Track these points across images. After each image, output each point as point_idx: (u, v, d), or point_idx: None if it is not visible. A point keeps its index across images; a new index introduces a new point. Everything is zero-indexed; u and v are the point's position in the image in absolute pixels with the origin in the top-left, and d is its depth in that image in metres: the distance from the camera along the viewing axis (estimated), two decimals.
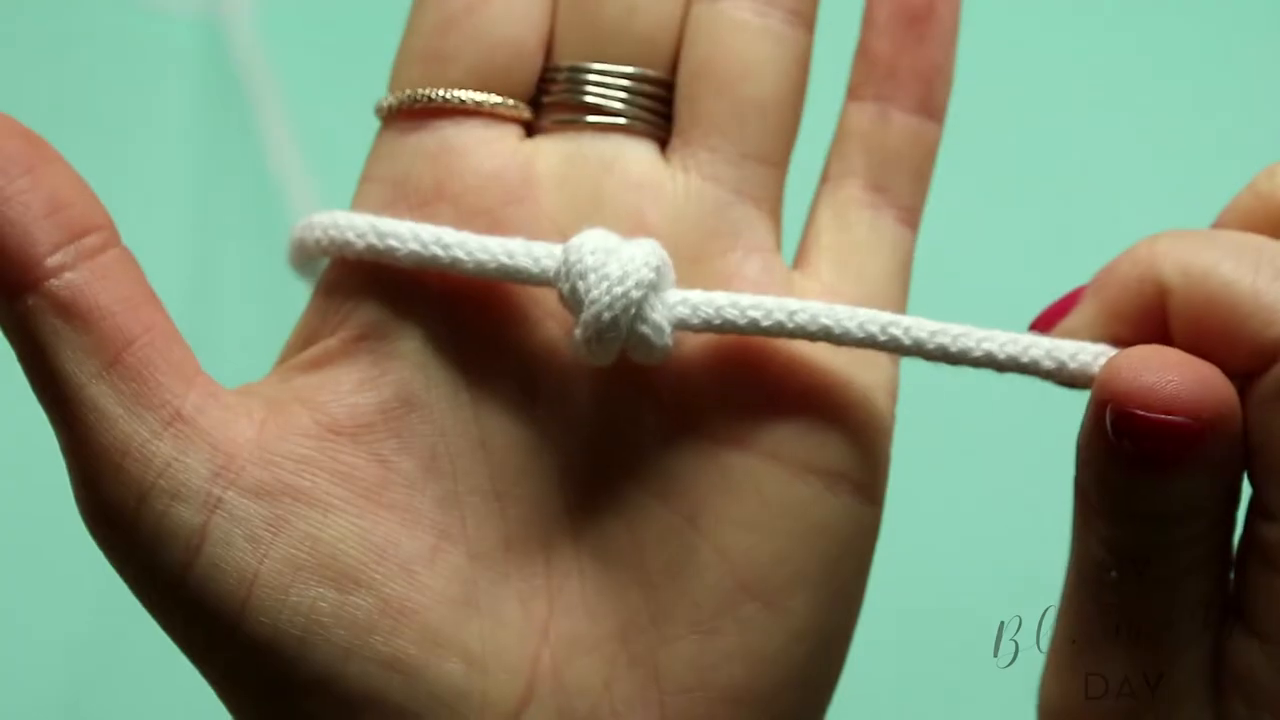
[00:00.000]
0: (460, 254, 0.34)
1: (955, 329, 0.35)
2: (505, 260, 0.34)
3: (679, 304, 0.34)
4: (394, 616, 0.33)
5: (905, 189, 0.37)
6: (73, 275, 0.32)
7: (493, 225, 0.35)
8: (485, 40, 0.35)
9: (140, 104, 0.86)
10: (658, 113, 0.36)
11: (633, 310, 0.34)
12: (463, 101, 0.35)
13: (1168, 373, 0.31)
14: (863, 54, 0.37)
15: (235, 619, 0.33)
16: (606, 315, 0.34)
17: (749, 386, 0.35)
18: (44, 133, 0.33)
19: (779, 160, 0.36)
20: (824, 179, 0.37)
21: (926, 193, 0.38)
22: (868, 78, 0.37)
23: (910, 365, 0.37)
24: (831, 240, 0.37)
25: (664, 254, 0.34)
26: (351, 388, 0.35)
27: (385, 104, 0.36)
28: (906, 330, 0.35)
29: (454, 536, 0.34)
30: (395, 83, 0.36)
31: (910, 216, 0.37)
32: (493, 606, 0.34)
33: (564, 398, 0.35)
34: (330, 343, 0.35)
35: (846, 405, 0.36)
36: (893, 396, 0.36)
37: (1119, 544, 0.33)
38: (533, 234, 0.35)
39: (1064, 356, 0.34)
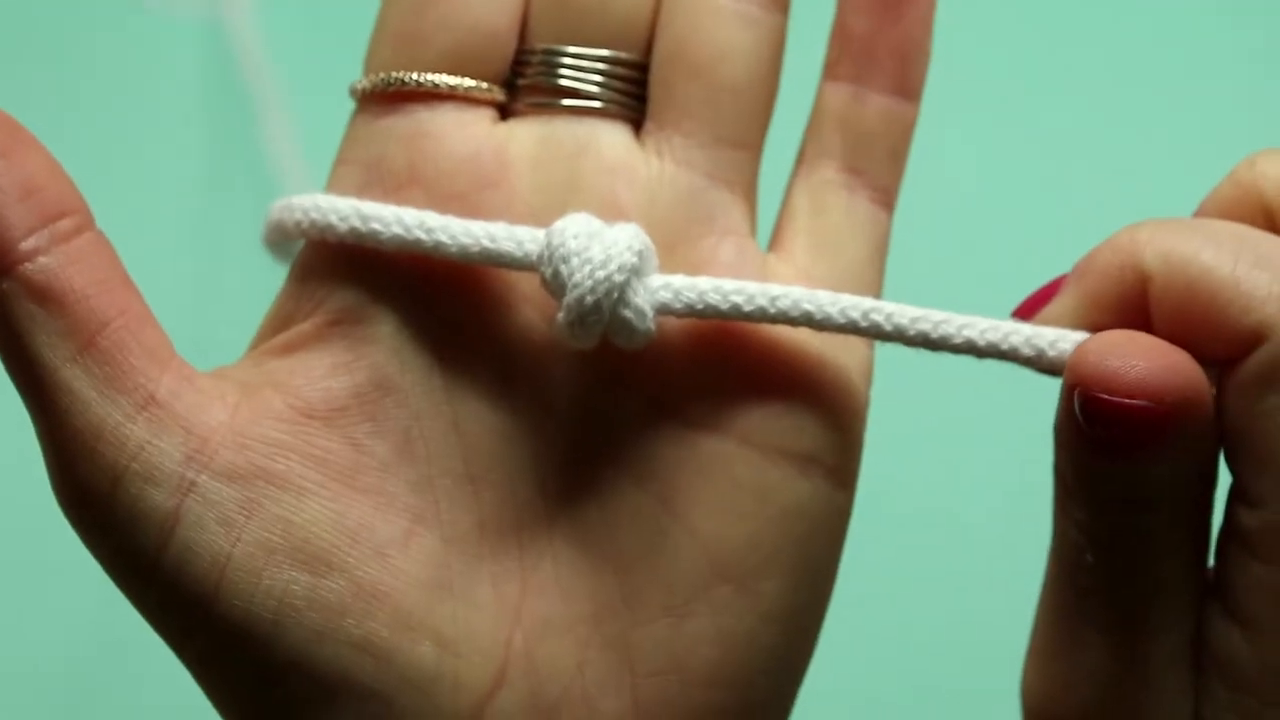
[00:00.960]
0: (443, 238, 0.34)
1: (936, 315, 0.35)
2: (488, 244, 0.34)
3: (661, 288, 0.34)
4: (366, 600, 0.33)
5: (881, 170, 0.37)
6: (47, 259, 0.32)
7: (466, 209, 0.35)
8: (459, 23, 0.35)
9: (143, 104, 0.86)
10: (632, 95, 0.36)
11: (615, 294, 0.34)
12: (436, 86, 0.35)
13: (1133, 358, 0.32)
14: (839, 33, 0.37)
15: (209, 602, 0.33)
16: (589, 299, 0.34)
17: (723, 370, 0.35)
18: (45, 133, 0.34)
19: (753, 143, 0.36)
20: (799, 160, 0.37)
21: (902, 174, 0.38)
22: (844, 57, 0.37)
23: (884, 349, 0.37)
24: (807, 223, 0.37)
25: (646, 239, 0.34)
26: (325, 372, 0.35)
27: (359, 86, 0.36)
28: (888, 316, 0.35)
29: (428, 520, 0.34)
30: (369, 65, 0.36)
31: (886, 198, 0.37)
32: (466, 590, 0.34)
33: (539, 382, 0.35)
34: (304, 327, 0.35)
35: (821, 388, 0.36)
36: (867, 379, 0.36)
37: (1094, 528, 0.33)
38: (507, 218, 0.35)
39: (1043, 344, 0.34)
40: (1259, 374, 0.32)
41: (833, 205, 0.37)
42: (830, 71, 0.37)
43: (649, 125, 0.36)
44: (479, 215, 0.35)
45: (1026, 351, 0.34)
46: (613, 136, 0.36)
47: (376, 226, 0.34)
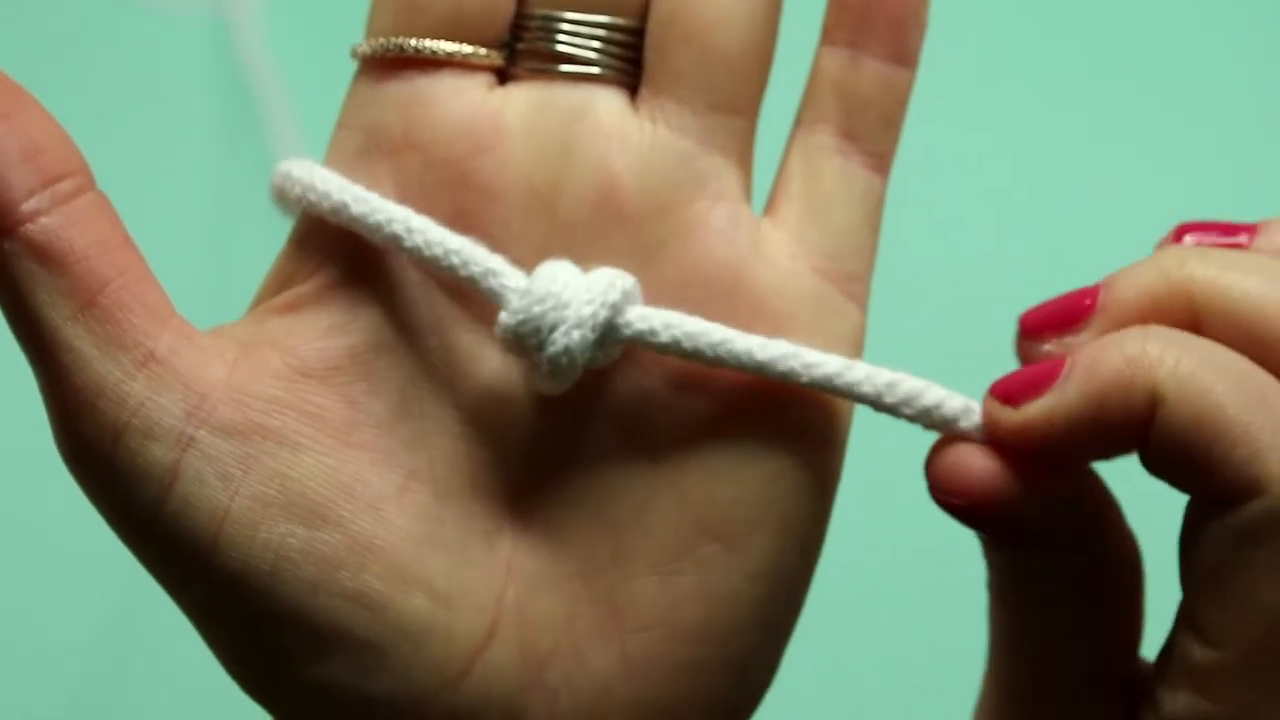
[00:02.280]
0: (420, 241, 0.35)
1: (835, 366, 0.35)
2: (469, 268, 0.35)
3: (638, 322, 0.35)
4: (361, 553, 0.34)
5: (876, 136, 0.37)
6: (48, 220, 0.33)
7: (461, 175, 0.35)
8: None
9: (148, 102, 0.86)
10: (629, 60, 0.36)
11: (590, 349, 0.35)
12: (434, 52, 0.36)
13: (959, 462, 0.34)
14: None
15: (207, 554, 0.34)
16: (564, 360, 0.35)
17: None
18: None
19: (748, 110, 0.37)
20: (795, 125, 0.38)
21: (898, 140, 0.38)
22: (841, 22, 0.37)
23: (877, 318, 0.37)
24: (801, 187, 0.37)
25: (628, 282, 0.35)
26: (322, 332, 0.35)
27: (360, 50, 0.36)
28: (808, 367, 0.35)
29: (421, 476, 0.35)
30: (370, 28, 0.36)
31: (881, 163, 0.37)
32: (458, 544, 0.35)
33: None
34: (304, 288, 0.36)
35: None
36: (859, 346, 0.37)
37: (991, 587, 0.36)
38: (500, 183, 0.35)
39: (937, 415, 0.35)
40: (1251, 527, 0.32)
41: (827, 170, 0.37)
42: (827, 37, 0.37)
43: (644, 91, 0.36)
44: (472, 180, 0.35)
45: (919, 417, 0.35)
46: (608, 102, 0.36)
47: (365, 215, 0.35)
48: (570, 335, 0.34)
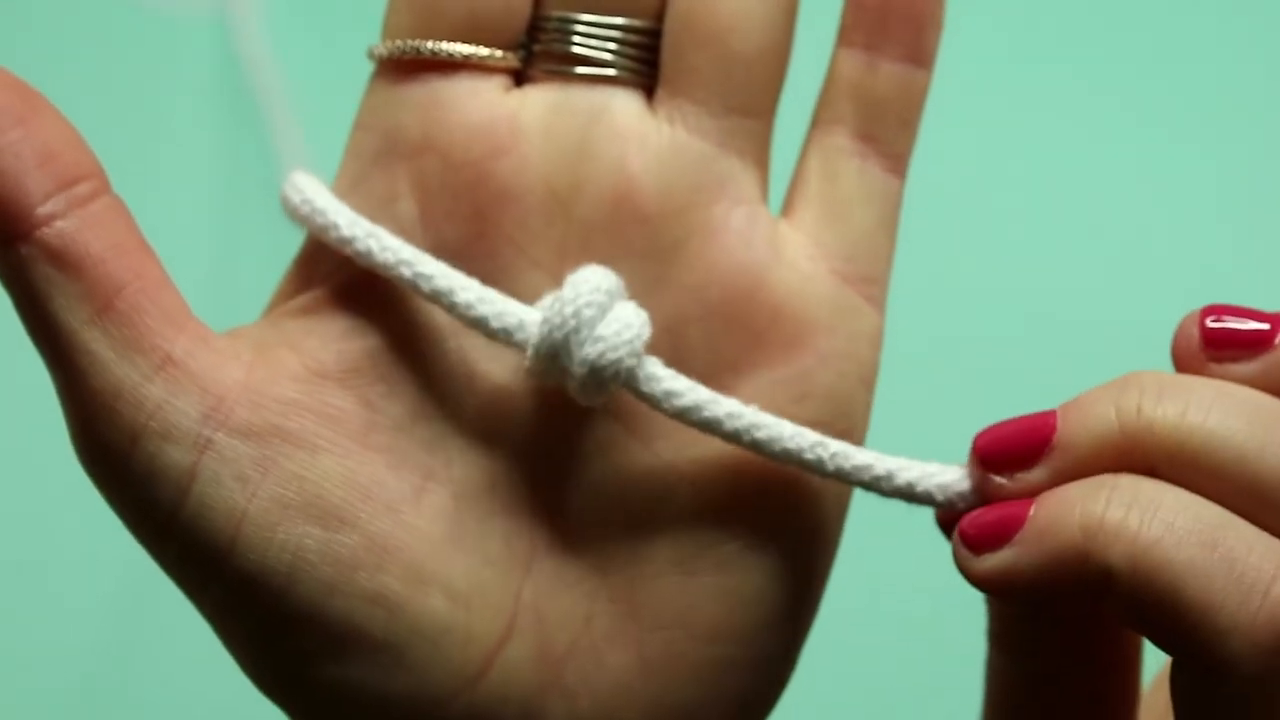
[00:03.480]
0: (441, 285, 0.35)
1: (839, 450, 0.35)
2: (482, 311, 0.35)
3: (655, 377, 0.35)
4: (378, 554, 0.34)
5: (893, 137, 0.37)
6: (64, 224, 0.33)
7: (479, 177, 0.35)
8: None
9: (149, 103, 0.86)
10: (645, 62, 0.36)
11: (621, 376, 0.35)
12: (451, 55, 0.36)
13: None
14: (852, 1, 0.37)
15: (225, 555, 0.34)
16: (603, 376, 0.35)
17: (733, 336, 0.36)
18: None
19: (765, 111, 0.37)
20: (812, 127, 0.38)
21: (914, 141, 0.38)
22: (858, 24, 0.37)
23: (896, 316, 0.37)
24: (818, 189, 0.37)
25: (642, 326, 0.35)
26: (340, 334, 0.35)
27: (376, 52, 0.36)
28: (825, 455, 0.35)
29: (439, 477, 0.35)
30: (387, 30, 0.36)
31: (898, 165, 0.37)
32: (476, 545, 0.35)
33: None
34: (321, 291, 0.36)
35: (829, 354, 0.36)
36: (877, 346, 0.37)
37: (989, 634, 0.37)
38: (518, 184, 0.36)
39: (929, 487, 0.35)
40: (1217, 698, 0.31)
41: (844, 172, 0.37)
42: (844, 38, 0.37)
43: (661, 92, 0.36)
44: (491, 182, 0.35)
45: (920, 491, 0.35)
46: (625, 104, 0.36)
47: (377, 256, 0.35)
48: (591, 384, 0.35)
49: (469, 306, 0.35)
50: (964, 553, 0.34)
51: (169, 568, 0.35)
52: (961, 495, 0.35)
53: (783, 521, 0.36)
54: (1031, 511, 0.33)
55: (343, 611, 0.34)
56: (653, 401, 0.35)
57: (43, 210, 0.33)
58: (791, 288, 0.36)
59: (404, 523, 0.35)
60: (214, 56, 0.87)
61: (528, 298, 0.36)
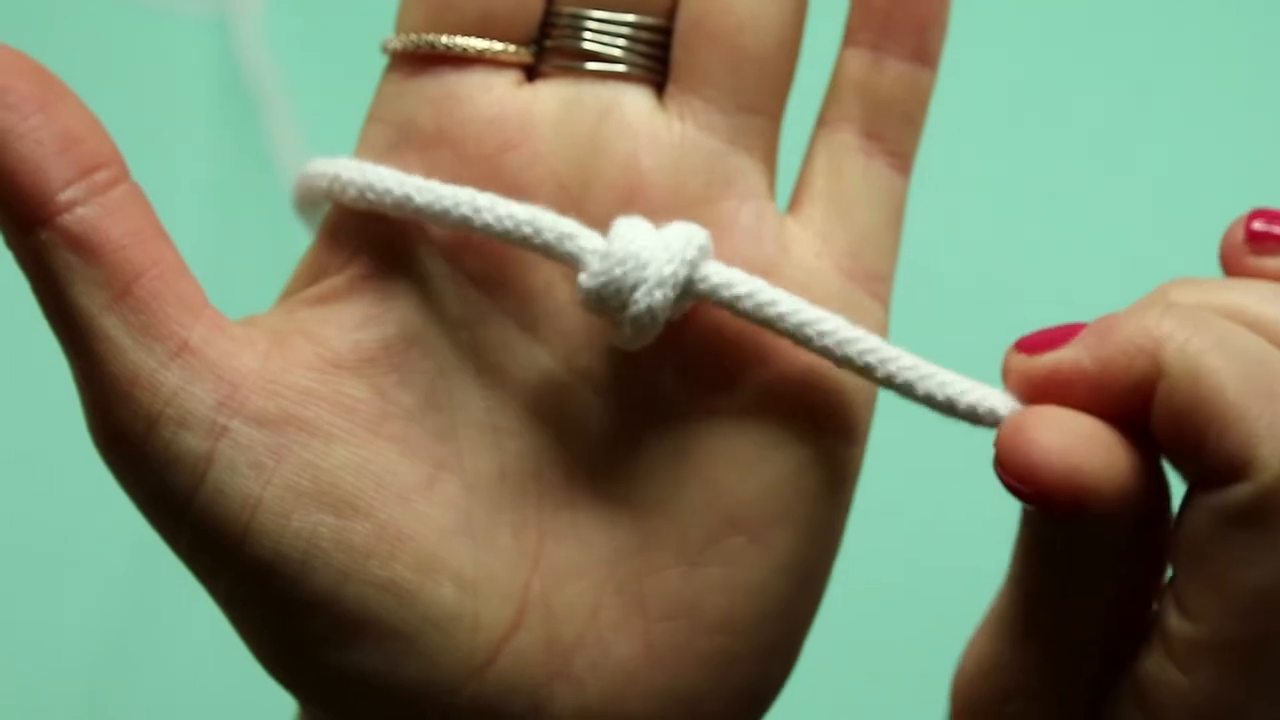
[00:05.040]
0: (489, 219, 0.35)
1: (906, 360, 0.35)
2: (546, 235, 0.35)
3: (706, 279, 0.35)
4: (391, 542, 0.35)
5: (899, 136, 0.38)
6: (84, 210, 0.33)
7: (492, 171, 0.36)
8: None
9: (148, 104, 0.86)
10: (656, 58, 0.37)
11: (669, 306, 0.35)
12: (464, 50, 0.36)
13: (1037, 446, 0.32)
14: (859, 1, 0.38)
15: (239, 541, 0.34)
16: (648, 317, 0.35)
17: (739, 333, 0.36)
18: None
19: (774, 109, 0.37)
20: (819, 125, 0.38)
21: (919, 139, 0.38)
22: (864, 23, 0.38)
23: (899, 316, 0.38)
24: (825, 186, 0.38)
25: (704, 237, 0.35)
26: (354, 324, 0.36)
27: (390, 46, 0.37)
28: (860, 351, 0.35)
29: (450, 467, 0.36)
30: (400, 23, 0.37)
31: (903, 163, 0.38)
32: (486, 534, 0.36)
33: (561, 336, 0.36)
34: (336, 280, 0.36)
35: None
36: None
37: (1024, 558, 0.35)
38: (529, 179, 0.36)
39: (979, 405, 0.35)
40: (1234, 510, 0.32)
41: (850, 169, 0.38)
42: (850, 37, 0.38)
43: (671, 89, 0.37)
44: (502, 176, 0.36)
45: (961, 408, 0.35)
46: (636, 100, 0.37)
47: (431, 204, 0.35)
48: (653, 295, 0.35)
49: (537, 233, 0.35)
50: (1012, 356, 0.34)
51: (182, 553, 0.35)
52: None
53: (788, 513, 0.36)
54: (1089, 325, 0.34)
55: (355, 599, 0.34)
56: (719, 296, 0.35)
57: (63, 196, 0.33)
58: (798, 284, 0.36)
59: (416, 512, 0.35)
60: (213, 57, 0.87)
61: (542, 288, 0.36)
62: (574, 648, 0.36)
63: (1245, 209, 0.36)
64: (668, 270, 0.35)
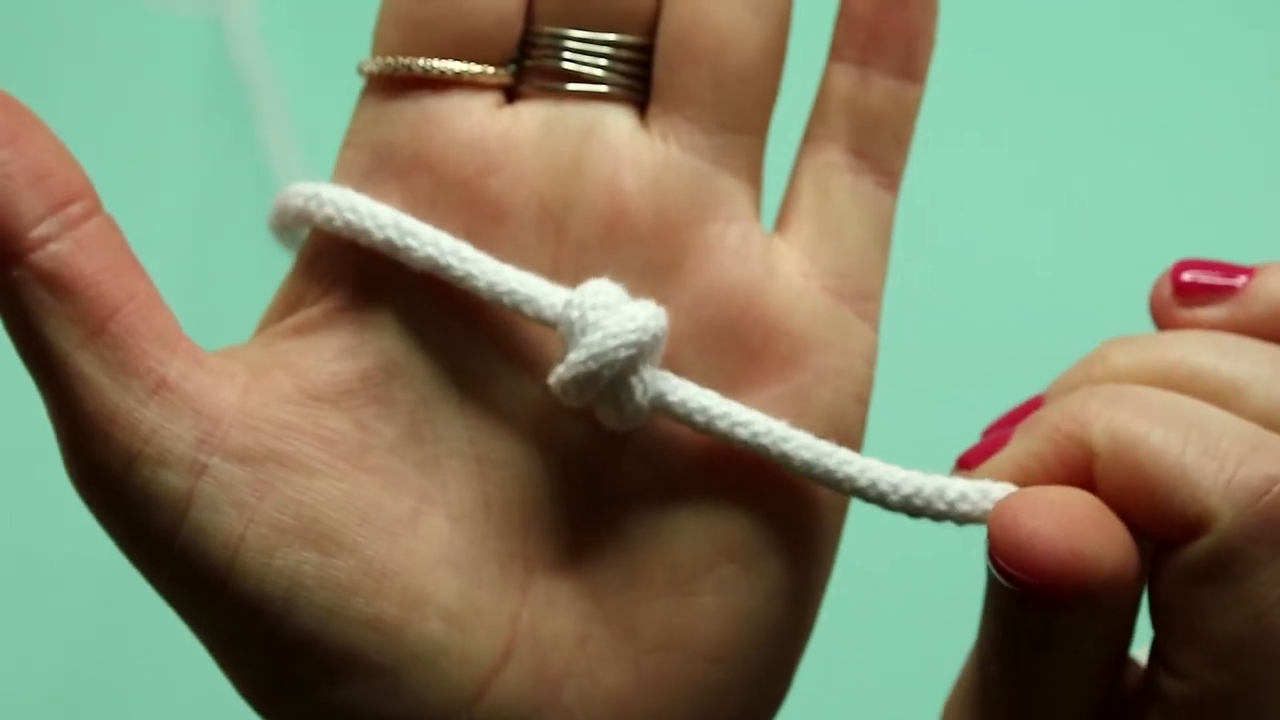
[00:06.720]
0: (473, 270, 0.35)
1: (875, 469, 0.35)
2: (514, 291, 0.35)
3: (661, 381, 0.35)
4: (376, 578, 0.34)
5: (886, 153, 0.37)
6: (56, 246, 0.33)
7: (472, 195, 0.35)
8: (466, 7, 0.35)
9: (141, 103, 0.86)
10: (638, 78, 0.36)
11: (617, 369, 0.34)
12: (443, 73, 0.36)
13: (1038, 535, 0.32)
14: (844, 15, 0.37)
15: (221, 580, 0.33)
16: (591, 365, 0.34)
17: (726, 358, 0.36)
18: None
19: (758, 128, 0.36)
20: (804, 142, 0.38)
21: (907, 156, 0.38)
22: (850, 39, 0.37)
23: (890, 335, 0.37)
24: (811, 205, 0.37)
25: (664, 321, 0.35)
26: (333, 356, 0.35)
27: (366, 69, 0.36)
28: (847, 473, 0.35)
29: (434, 499, 0.35)
30: (376, 45, 0.36)
31: (891, 181, 0.37)
32: (473, 567, 0.35)
33: (542, 365, 0.36)
34: (313, 311, 0.36)
35: (825, 371, 0.36)
36: (871, 364, 0.37)
37: (1000, 646, 0.35)
38: (511, 201, 0.35)
39: (964, 501, 0.35)
40: (1196, 566, 0.32)
41: (837, 187, 0.37)
42: (836, 54, 0.37)
43: (654, 109, 0.36)
44: (483, 199, 0.35)
45: (939, 506, 0.35)
46: (618, 120, 0.36)
47: (411, 244, 0.35)
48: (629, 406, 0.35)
49: (510, 293, 0.35)
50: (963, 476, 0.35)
51: (163, 592, 0.34)
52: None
53: (780, 540, 0.36)
54: (1018, 425, 0.35)
55: (340, 636, 0.34)
56: (675, 413, 0.35)
57: (36, 233, 0.32)
58: (786, 305, 0.36)
59: (401, 546, 0.34)
60: (206, 59, 0.87)
61: (523, 319, 0.35)
62: (563, 678, 0.35)
63: (1245, 209, 0.36)
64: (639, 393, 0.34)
